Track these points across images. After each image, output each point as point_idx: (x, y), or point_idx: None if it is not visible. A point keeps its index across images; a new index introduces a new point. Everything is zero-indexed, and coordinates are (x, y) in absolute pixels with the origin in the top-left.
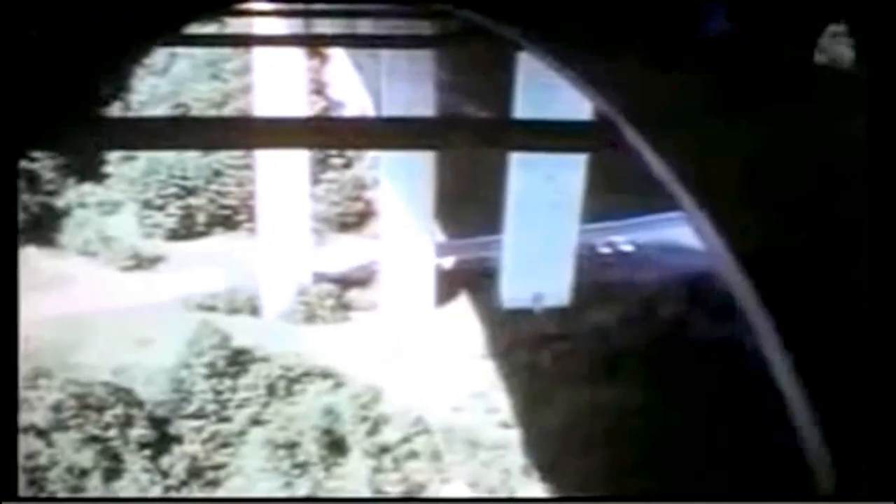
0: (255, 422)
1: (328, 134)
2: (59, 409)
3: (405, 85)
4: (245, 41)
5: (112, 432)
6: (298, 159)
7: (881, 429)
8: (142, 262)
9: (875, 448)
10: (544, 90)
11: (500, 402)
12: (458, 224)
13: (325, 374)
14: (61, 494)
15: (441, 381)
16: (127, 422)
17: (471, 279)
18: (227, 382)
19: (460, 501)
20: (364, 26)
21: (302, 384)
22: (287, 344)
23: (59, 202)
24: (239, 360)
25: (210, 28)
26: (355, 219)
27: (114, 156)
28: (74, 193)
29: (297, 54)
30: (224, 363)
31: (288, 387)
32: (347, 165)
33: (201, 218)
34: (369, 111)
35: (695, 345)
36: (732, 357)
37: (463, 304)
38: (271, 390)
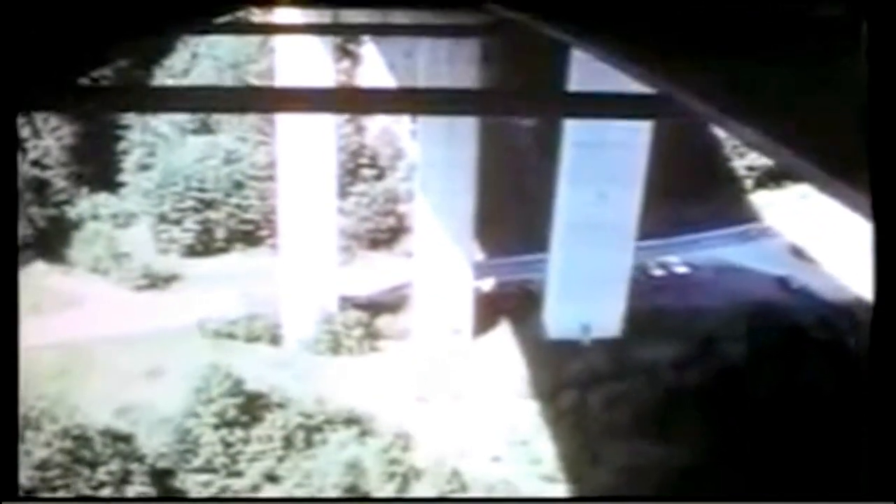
0: (270, 477)
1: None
2: (45, 468)
3: (444, 86)
4: (276, 29)
5: (106, 491)
6: (325, 170)
7: (881, 429)
8: (156, 282)
9: (875, 448)
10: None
11: (544, 451)
12: (498, 241)
13: (350, 421)
14: None
15: (479, 426)
16: (124, 478)
17: (512, 304)
18: (239, 433)
19: (460, 501)
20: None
21: (323, 433)
22: (308, 384)
23: (71, 213)
24: (253, 408)
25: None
26: (387, 235)
27: (129, 163)
28: (88, 204)
29: (324, 54)
30: (236, 412)
31: (307, 437)
32: (379, 177)
33: (220, 233)
34: (404, 116)
35: (760, 389)
36: (799, 399)
37: (504, 333)
38: (288, 442)
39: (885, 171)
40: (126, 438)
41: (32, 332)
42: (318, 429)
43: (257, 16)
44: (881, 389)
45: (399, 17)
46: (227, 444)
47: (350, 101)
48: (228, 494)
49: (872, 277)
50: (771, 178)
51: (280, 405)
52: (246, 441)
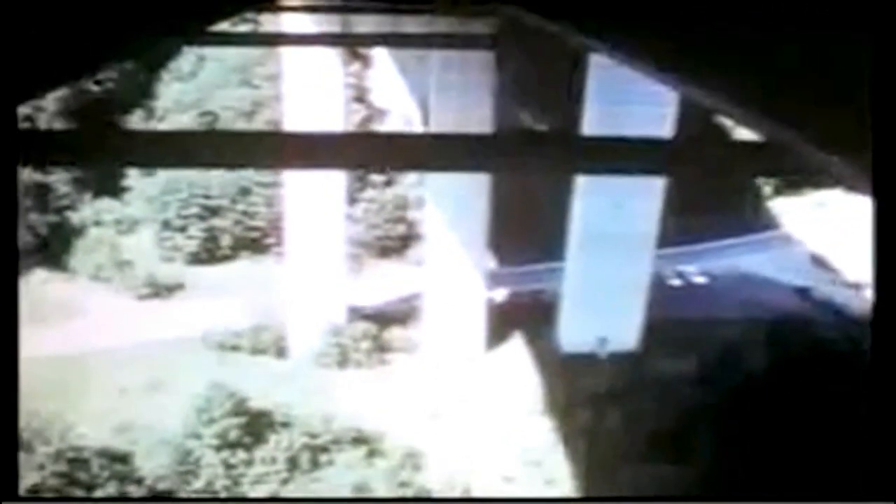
0: (274, 500)
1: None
2: (37, 491)
3: (457, 91)
4: (283, 40)
5: None
6: (333, 176)
7: (881, 429)
8: (159, 291)
9: (875, 448)
10: (619, 94)
11: (559, 470)
12: (512, 250)
13: (357, 440)
14: None
15: (491, 444)
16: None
17: (526, 316)
18: (242, 454)
19: (460, 501)
20: (409, 25)
21: (329, 454)
22: (314, 400)
23: (74, 219)
24: (256, 428)
25: (241, 29)
26: (397, 243)
27: (133, 168)
28: (90, 209)
29: (334, 58)
30: (239, 432)
31: (313, 458)
32: (389, 183)
33: (226, 241)
34: (415, 120)
35: (785, 405)
36: (819, 410)
37: (517, 346)
38: (293, 463)
39: (887, 162)
40: (124, 459)
41: (30, 343)
42: (324, 449)
43: (264, 23)
44: (881, 389)
45: (411, 25)
46: (229, 466)
47: (358, 152)
48: None
49: (872, 268)
50: (787, 185)
51: (284, 424)
52: (249, 463)
